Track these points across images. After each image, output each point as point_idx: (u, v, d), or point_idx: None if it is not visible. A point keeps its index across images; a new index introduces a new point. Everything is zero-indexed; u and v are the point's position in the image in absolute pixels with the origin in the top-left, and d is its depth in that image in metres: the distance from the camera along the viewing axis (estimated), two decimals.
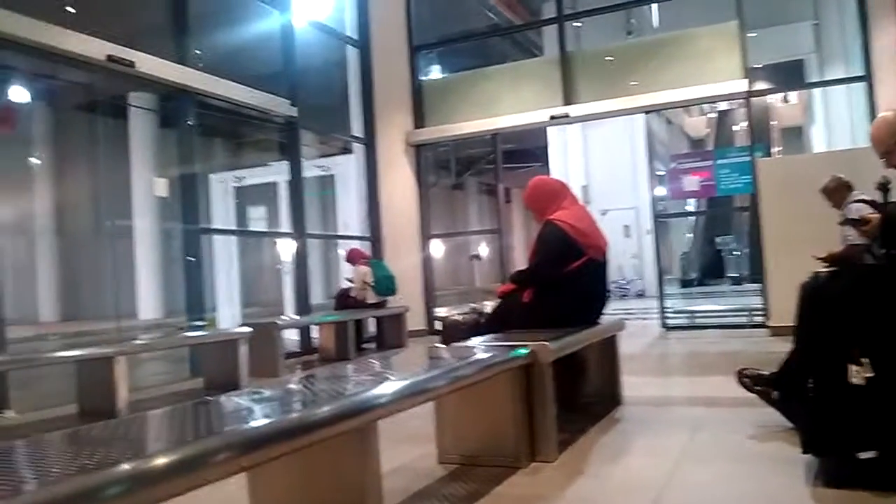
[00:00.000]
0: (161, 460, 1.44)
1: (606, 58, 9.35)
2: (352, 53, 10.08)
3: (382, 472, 2.18)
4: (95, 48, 6.14)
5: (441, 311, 9.89)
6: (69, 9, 10.09)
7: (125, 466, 1.36)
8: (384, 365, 3.43)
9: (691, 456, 3.08)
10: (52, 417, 5.02)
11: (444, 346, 3.67)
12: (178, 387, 6.33)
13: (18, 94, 14.96)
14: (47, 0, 7.45)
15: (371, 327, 8.96)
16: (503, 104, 9.53)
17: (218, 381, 5.91)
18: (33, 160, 19.34)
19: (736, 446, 3.15)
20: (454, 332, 4.33)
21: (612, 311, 4.40)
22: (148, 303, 17.38)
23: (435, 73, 12.15)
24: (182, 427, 1.77)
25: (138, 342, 5.88)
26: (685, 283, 17.40)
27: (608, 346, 4.11)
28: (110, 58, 6.21)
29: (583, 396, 4.07)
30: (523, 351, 3.01)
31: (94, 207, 18.95)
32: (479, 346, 3.14)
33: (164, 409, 2.03)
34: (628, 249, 16.36)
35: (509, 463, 2.93)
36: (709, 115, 22.78)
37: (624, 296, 15.96)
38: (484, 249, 20.92)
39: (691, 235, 19.46)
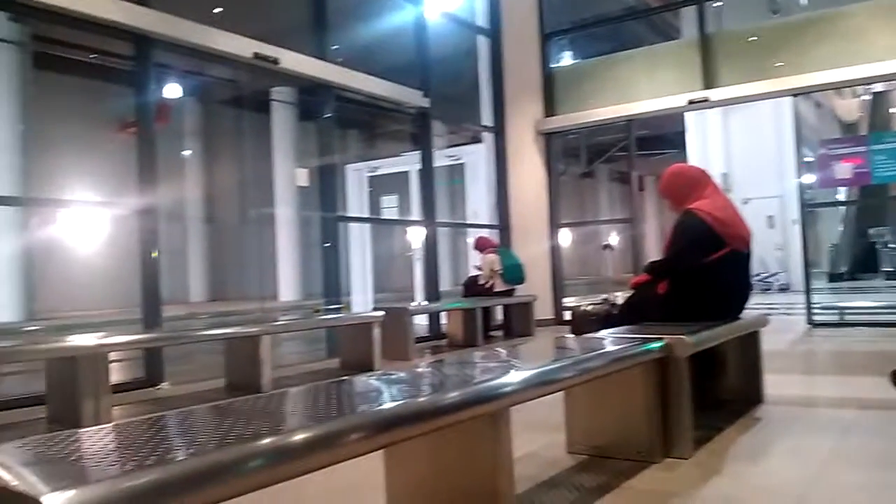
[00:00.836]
0: (301, 436, 1.51)
1: (750, 38, 8.86)
2: (482, 43, 10.11)
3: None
4: (243, 46, 6.50)
5: (570, 301, 9.78)
6: (218, 10, 10.73)
7: (267, 440, 1.44)
8: (512, 353, 3.43)
9: (838, 460, 2.89)
10: (202, 391, 5.40)
11: (573, 336, 3.63)
12: (316, 366, 6.62)
13: (172, 90, 16.13)
14: (199, 2, 7.96)
15: (499, 315, 9.00)
16: (638, 89, 9.25)
17: (353, 362, 6.14)
18: (185, 152, 20.75)
19: (888, 452, 2.92)
20: (584, 323, 4.27)
21: (755, 305, 4.19)
22: (287, 286, 18.27)
23: (566, 59, 11.97)
24: (320, 405, 1.84)
25: (280, 322, 6.20)
26: (834, 278, 16.27)
27: (750, 342, 3.92)
28: (256, 55, 6.55)
29: (721, 393, 3.90)
30: (657, 344, 2.92)
31: (240, 196, 20.14)
32: (611, 338, 3.08)
33: (304, 386, 2.13)
34: (772, 241, 15.47)
35: (641, 457, 2.86)
36: (862, 98, 21.12)
37: (766, 290, 15.12)
38: (615, 239, 20.52)
39: (842, 226, 18.16)
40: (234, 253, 20.30)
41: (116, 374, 5.32)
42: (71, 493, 1.10)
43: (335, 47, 7.87)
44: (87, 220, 17.33)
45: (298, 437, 1.49)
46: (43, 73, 14.87)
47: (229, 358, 5.50)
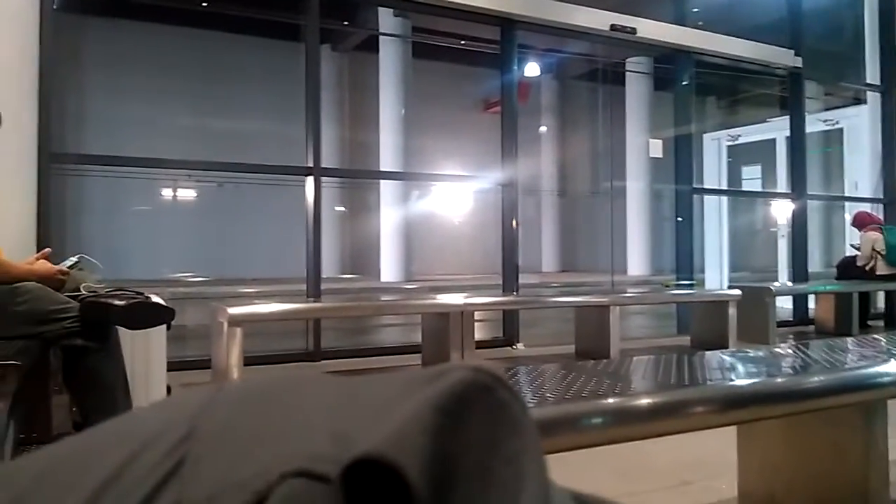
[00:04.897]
0: (646, 400, 1.51)
1: None
2: None
3: (890, 459, 1.93)
4: (600, 19, 6.55)
5: None
6: None
7: (611, 400, 1.47)
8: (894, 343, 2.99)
9: None
10: (552, 354, 5.65)
11: None
12: (665, 342, 6.50)
13: (531, 69, 16.89)
14: None
15: (880, 303, 7.89)
16: None
17: (704, 341, 5.91)
18: (541, 128, 21.65)
19: None
20: None
21: None
22: (636, 260, 18.14)
23: None
24: (669, 374, 1.82)
25: (630, 294, 6.21)
26: None
27: None
28: (613, 27, 6.56)
29: None
30: None
31: (592, 169, 20.46)
32: None
33: (652, 356, 2.12)
34: None
35: None
36: None
37: None
38: None
39: None
40: (584, 225, 20.78)
41: (479, 332, 5.82)
42: None
43: (694, 10, 7.53)
44: (455, 193, 19.16)
45: (644, 400, 1.50)
46: (419, 61, 16.66)
47: (579, 326, 5.67)
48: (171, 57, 15.68)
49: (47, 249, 2.73)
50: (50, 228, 4.30)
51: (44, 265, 2.54)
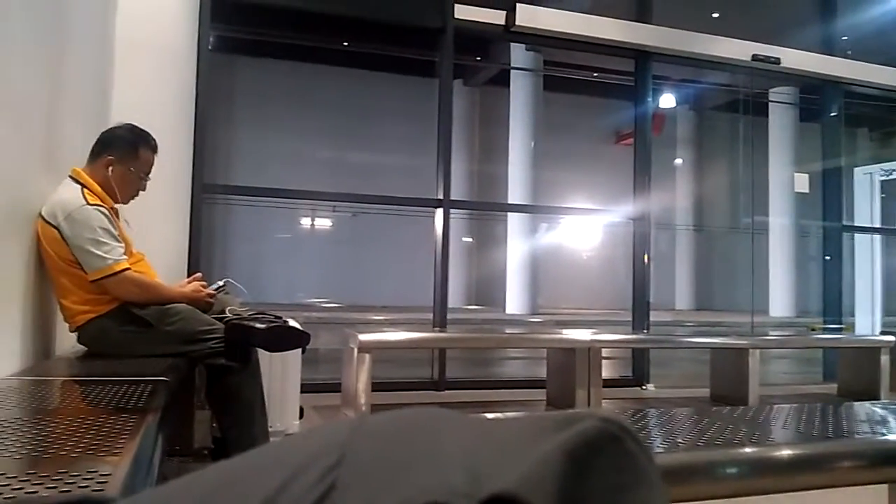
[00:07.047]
0: (784, 452, 1.43)
1: None
2: None
3: None
4: (740, 49, 6.34)
5: None
6: (715, 14, 10.62)
7: (748, 450, 1.39)
8: None
9: None
10: (684, 397, 5.42)
11: None
12: (809, 388, 6.10)
13: (666, 100, 16.52)
14: (695, 10, 7.99)
15: None
16: None
17: (853, 389, 5.50)
18: (677, 160, 21.03)
19: None
20: None
21: None
22: (779, 300, 17.15)
23: None
24: (810, 425, 1.71)
25: (771, 337, 5.89)
26: None
27: None
28: (755, 57, 6.33)
29: None
30: None
31: (731, 204, 19.62)
32: None
33: (794, 405, 2.00)
34: None
35: None
36: None
37: None
38: None
39: None
40: (722, 262, 19.91)
41: (607, 370, 5.68)
42: None
43: (843, 38, 7.13)
44: (584, 226, 18.93)
45: (784, 451, 1.42)
46: (550, 93, 16.68)
47: (714, 369, 5.41)
48: (312, 93, 16.56)
49: (199, 274, 2.92)
50: (200, 253, 4.61)
51: (194, 288, 2.72)
